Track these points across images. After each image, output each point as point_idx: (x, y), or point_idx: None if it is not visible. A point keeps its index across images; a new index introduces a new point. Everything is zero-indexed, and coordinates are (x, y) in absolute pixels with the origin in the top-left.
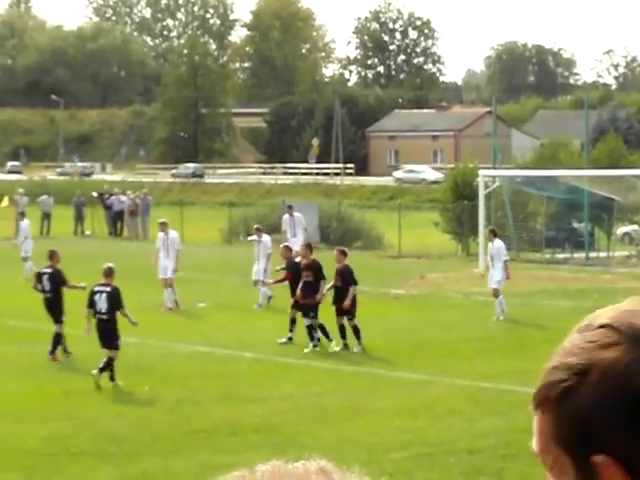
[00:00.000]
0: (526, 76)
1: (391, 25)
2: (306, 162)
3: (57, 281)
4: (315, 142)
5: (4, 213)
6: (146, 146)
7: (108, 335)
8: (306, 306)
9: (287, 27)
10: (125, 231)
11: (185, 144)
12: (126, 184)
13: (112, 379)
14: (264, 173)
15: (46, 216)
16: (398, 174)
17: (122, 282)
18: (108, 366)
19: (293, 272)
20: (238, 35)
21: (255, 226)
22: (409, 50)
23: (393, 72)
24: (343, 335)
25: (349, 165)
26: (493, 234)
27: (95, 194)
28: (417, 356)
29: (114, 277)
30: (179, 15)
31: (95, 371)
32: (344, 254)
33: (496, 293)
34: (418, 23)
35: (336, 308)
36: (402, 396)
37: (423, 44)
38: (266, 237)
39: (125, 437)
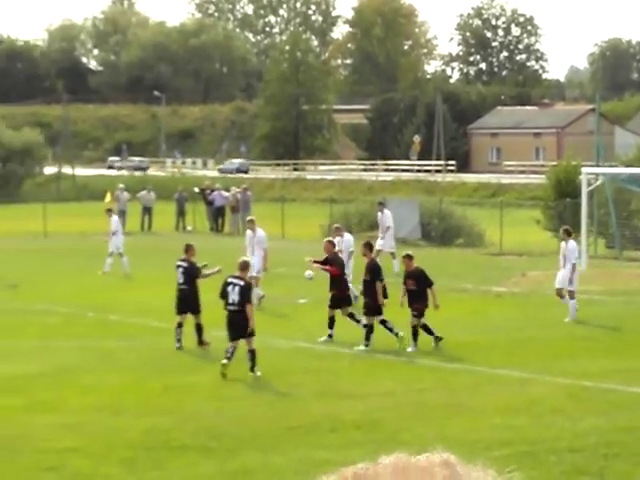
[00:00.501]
0: (630, 73)
1: (494, 22)
2: (407, 159)
3: (191, 274)
4: (417, 139)
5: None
6: (247, 142)
7: (239, 327)
8: (370, 307)
9: (389, 23)
10: (226, 227)
11: (287, 140)
12: (227, 180)
13: (252, 369)
14: (365, 170)
15: (147, 211)
16: None
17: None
18: (253, 359)
19: (341, 267)
20: (340, 31)
21: (335, 225)
22: (512, 47)
23: (495, 69)
24: (428, 332)
25: (450, 162)
26: (567, 234)
27: (197, 189)
28: (518, 354)
29: (249, 271)
30: (281, 12)
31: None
32: (410, 258)
33: (559, 293)
34: (521, 20)
35: (412, 310)
36: (503, 394)
37: (526, 41)
38: (348, 236)
39: (225, 432)
